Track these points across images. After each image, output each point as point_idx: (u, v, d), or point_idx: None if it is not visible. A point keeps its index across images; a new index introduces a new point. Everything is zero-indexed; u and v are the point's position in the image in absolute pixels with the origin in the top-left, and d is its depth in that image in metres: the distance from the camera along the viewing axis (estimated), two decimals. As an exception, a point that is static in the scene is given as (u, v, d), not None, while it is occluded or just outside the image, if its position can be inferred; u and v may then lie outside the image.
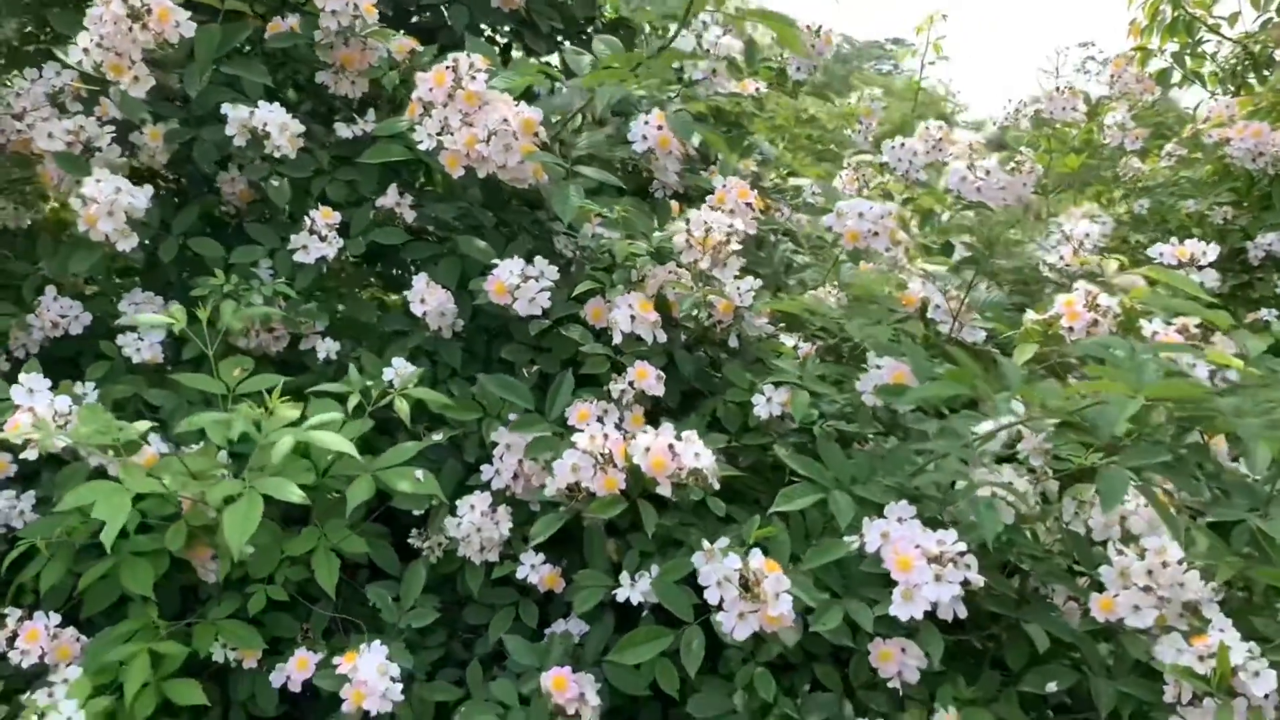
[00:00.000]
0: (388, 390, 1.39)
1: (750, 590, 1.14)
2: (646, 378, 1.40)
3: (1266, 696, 1.14)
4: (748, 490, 1.46)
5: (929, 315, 1.66)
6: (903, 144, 2.12)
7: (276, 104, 1.55)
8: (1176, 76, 3.09)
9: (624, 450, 1.27)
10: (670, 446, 1.26)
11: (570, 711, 1.28)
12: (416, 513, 1.48)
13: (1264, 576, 1.20)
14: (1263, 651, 1.18)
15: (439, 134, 1.49)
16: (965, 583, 1.14)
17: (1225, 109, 2.54)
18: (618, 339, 1.43)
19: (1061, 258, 1.83)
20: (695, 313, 1.51)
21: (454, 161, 1.48)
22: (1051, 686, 1.28)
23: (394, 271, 1.89)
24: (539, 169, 1.52)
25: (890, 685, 1.23)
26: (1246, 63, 2.98)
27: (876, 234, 1.54)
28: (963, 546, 1.14)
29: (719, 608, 1.16)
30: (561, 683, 1.27)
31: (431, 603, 1.45)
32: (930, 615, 1.14)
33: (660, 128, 1.59)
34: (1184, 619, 1.26)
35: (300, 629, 1.46)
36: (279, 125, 1.53)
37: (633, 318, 1.41)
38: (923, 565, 1.13)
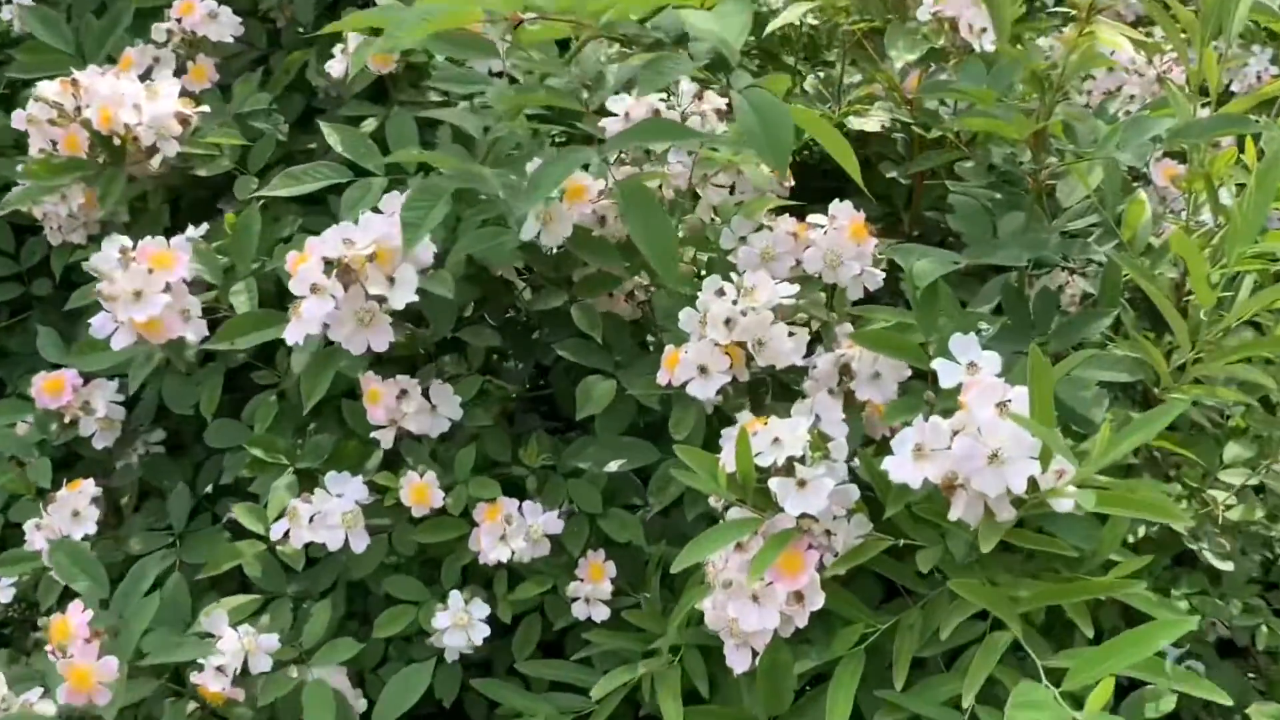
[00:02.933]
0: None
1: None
2: (192, 13, 1.05)
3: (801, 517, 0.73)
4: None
5: None
6: None
7: None
8: None
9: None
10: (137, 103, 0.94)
11: (67, 420, 1.08)
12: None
13: (863, 342, 0.76)
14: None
15: None
16: (381, 300, 0.79)
17: None
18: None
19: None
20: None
21: None
22: (613, 466, 0.93)
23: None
24: None
25: (374, 435, 0.92)
26: None
27: None
28: (370, 251, 0.77)
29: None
30: (56, 385, 1.07)
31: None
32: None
33: None
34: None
35: None
36: None
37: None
38: (313, 269, 0.77)
